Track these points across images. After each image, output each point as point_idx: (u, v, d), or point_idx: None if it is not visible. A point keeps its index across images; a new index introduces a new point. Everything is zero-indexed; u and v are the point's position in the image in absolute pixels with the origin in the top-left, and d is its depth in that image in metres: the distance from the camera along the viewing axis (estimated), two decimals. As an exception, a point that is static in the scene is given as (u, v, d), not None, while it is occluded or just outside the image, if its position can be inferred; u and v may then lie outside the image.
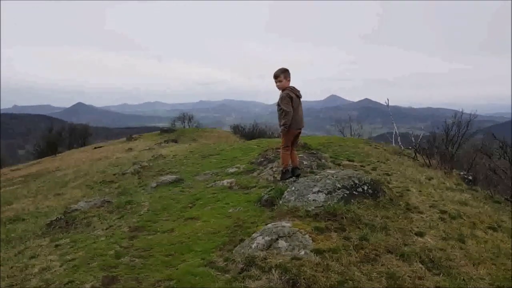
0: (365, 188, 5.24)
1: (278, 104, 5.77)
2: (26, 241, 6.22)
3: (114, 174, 12.44)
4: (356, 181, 5.25)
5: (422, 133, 26.11)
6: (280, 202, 5.18)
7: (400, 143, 22.20)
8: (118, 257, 4.53)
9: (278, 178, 6.91)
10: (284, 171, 5.89)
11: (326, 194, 4.97)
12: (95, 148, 32.13)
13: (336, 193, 5.01)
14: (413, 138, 24.19)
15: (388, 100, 27.44)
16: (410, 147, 14.29)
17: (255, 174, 7.69)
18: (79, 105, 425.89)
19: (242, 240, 4.37)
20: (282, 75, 5.77)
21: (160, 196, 7.05)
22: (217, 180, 7.54)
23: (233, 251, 4.19)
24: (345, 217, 4.67)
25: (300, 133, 5.89)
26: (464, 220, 5.35)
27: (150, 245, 4.80)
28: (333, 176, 5.32)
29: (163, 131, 35.98)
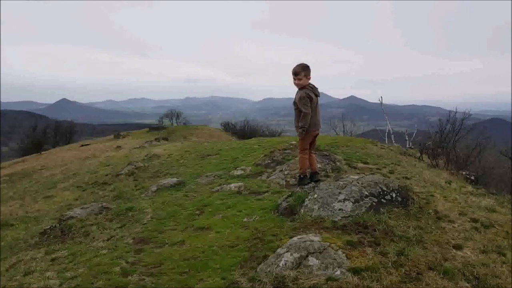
0: (394, 195, 4.82)
1: (295, 103, 5.28)
2: (18, 252, 5.68)
3: (107, 175, 11.86)
4: (384, 188, 4.82)
5: (415, 131, 25.94)
6: (302, 211, 4.72)
7: (393, 141, 21.96)
8: (125, 275, 4.04)
9: (291, 182, 6.45)
10: (302, 176, 5.41)
11: (353, 203, 4.54)
12: (82, 146, 31.28)
13: (363, 202, 4.58)
14: (406, 136, 24.01)
15: (381, 98, 27.18)
16: (412, 147, 14.01)
17: (264, 177, 7.22)
18: (63, 101, 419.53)
19: (266, 257, 3.90)
20: (303, 73, 5.23)
21: (163, 201, 6.54)
22: (223, 184, 7.04)
23: (258, 270, 3.72)
24: (377, 229, 4.24)
25: (317, 135, 5.41)
26: (497, 229, 4.96)
27: (159, 261, 4.31)
28: (358, 182, 4.88)
29: (152, 128, 35.32)
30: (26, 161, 28.97)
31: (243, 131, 33.78)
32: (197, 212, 5.78)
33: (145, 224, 5.53)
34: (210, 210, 5.73)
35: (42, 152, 32.91)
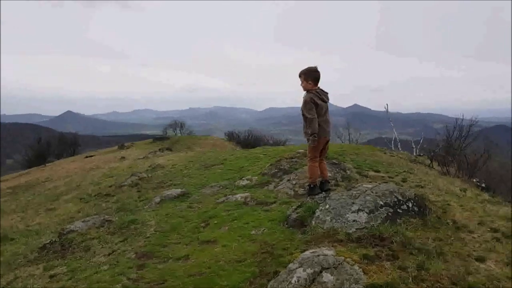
0: (410, 205, 4.55)
1: (302, 109, 5.06)
2: (16, 269, 5.44)
3: (110, 186, 11.63)
4: (400, 197, 4.56)
5: (421, 138, 25.60)
6: (313, 222, 4.46)
7: (400, 149, 21.63)
8: (127, 293, 3.80)
9: (300, 192, 6.19)
10: (311, 186, 5.15)
11: (368, 214, 4.28)
12: (86, 157, 31.14)
13: (379, 212, 4.32)
14: (413, 144, 23.69)
15: (387, 105, 26.90)
16: (421, 154, 13.72)
17: (271, 187, 6.96)
18: (68, 113, 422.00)
19: (276, 273, 3.64)
20: (302, 76, 5.06)
21: (166, 213, 6.28)
22: (228, 194, 6.79)
23: (268, 287, 3.47)
24: (394, 241, 3.97)
25: (328, 141, 5.16)
26: (520, 239, 4.69)
27: (163, 277, 4.06)
28: (372, 192, 4.63)
29: (156, 139, 35.15)
30: (30, 173, 28.83)
31: (247, 141, 33.60)
32: (202, 224, 5.53)
33: (148, 237, 5.28)
34: (215, 222, 5.47)
35: (47, 164, 32.80)
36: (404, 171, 7.76)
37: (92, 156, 31.18)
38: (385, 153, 10.28)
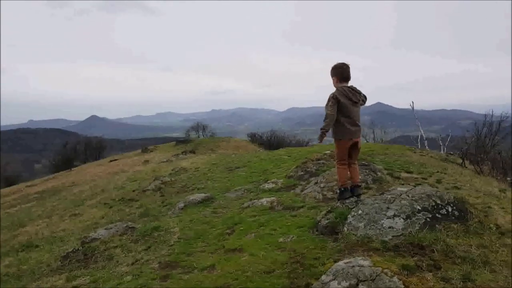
0: (450, 209, 4.23)
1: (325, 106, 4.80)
2: (39, 278, 5.34)
3: (134, 191, 11.57)
4: (438, 201, 4.25)
5: (449, 135, 24.86)
6: (345, 229, 4.19)
7: (427, 147, 21.03)
8: (151, 307, 3.61)
9: (329, 196, 5.91)
10: (342, 189, 4.86)
11: (405, 219, 3.98)
12: (111, 161, 31.42)
13: (416, 217, 4.02)
14: (440, 142, 23.01)
15: (413, 103, 26.22)
16: (451, 152, 13.21)
17: (297, 190, 6.70)
18: (93, 118, 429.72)
19: (308, 285, 3.40)
20: (331, 72, 4.85)
21: (191, 219, 6.10)
22: (254, 199, 6.56)
23: (300, 301, 3.23)
24: (435, 250, 3.67)
25: (356, 143, 4.84)
26: None
27: (188, 289, 3.86)
28: (408, 195, 4.32)
29: (179, 141, 35.18)
30: (57, 178, 29.27)
31: (270, 142, 33.33)
32: (228, 231, 5.31)
33: (172, 245, 5.09)
34: (241, 228, 5.25)
35: (73, 169, 33.26)
36: (438, 171, 7.37)
37: (116, 160, 31.46)
38: (415, 152, 9.88)
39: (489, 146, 12.34)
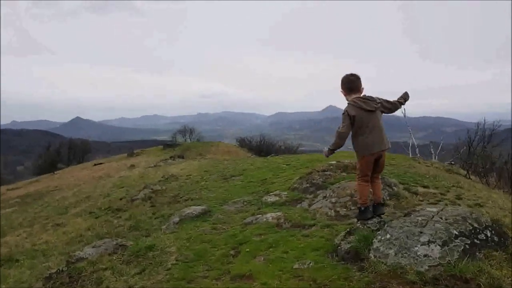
0: (489, 233, 3.75)
1: None
2: (17, 304, 4.73)
3: (121, 199, 10.93)
4: (475, 224, 3.76)
5: (441, 143, 24.64)
6: (371, 256, 3.67)
7: (418, 155, 20.73)
8: None
9: (342, 213, 5.39)
10: (362, 208, 4.34)
11: (441, 246, 3.48)
12: (95, 165, 30.58)
13: (454, 244, 3.51)
14: (432, 150, 22.77)
15: (404, 110, 25.93)
16: (452, 162, 12.84)
17: (305, 205, 6.16)
18: (77, 119, 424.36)
19: (339, 328, 2.87)
20: (341, 86, 4.38)
21: (188, 237, 5.50)
22: (257, 214, 5.99)
23: None
24: (481, 284, 3.18)
25: (381, 157, 4.33)
26: None
27: (191, 326, 3.29)
28: (441, 218, 3.82)
29: (167, 145, 34.46)
30: (40, 181, 28.37)
31: (260, 147, 32.85)
32: (232, 252, 4.75)
33: (169, 269, 4.50)
34: (247, 250, 4.68)
35: (56, 172, 32.33)
36: (453, 185, 6.92)
37: (101, 163, 30.63)
38: (419, 162, 9.45)
39: (482, 154, 11.97)
